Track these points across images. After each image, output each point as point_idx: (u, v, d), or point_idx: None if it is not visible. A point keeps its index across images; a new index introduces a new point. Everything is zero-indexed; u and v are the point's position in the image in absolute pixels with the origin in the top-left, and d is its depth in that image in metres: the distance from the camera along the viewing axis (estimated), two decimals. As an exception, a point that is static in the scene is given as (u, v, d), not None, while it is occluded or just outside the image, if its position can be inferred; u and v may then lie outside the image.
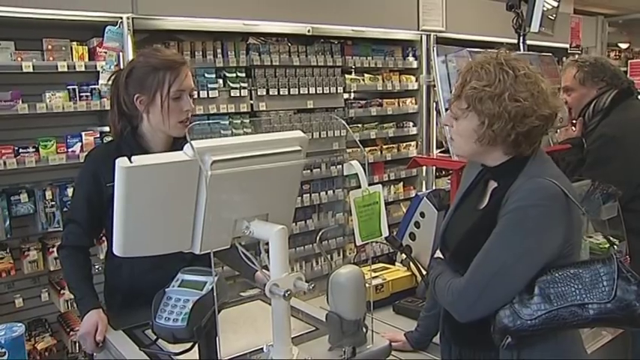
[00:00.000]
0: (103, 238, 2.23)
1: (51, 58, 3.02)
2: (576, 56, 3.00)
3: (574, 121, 2.72)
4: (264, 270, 1.43)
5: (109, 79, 1.99)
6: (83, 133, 3.10)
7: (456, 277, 1.45)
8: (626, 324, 1.36)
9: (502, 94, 1.38)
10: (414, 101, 4.64)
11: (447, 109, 2.18)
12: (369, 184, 1.51)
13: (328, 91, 4.06)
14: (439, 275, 1.51)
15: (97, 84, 3.05)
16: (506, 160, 1.47)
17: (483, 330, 1.40)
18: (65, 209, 3.08)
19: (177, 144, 1.88)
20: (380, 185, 1.55)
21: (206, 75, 3.52)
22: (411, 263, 2.22)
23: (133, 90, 1.86)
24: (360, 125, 4.35)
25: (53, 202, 3.10)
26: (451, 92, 2.19)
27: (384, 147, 4.52)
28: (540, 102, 1.40)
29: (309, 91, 3.95)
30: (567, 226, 1.37)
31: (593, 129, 2.58)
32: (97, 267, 2.04)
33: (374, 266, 2.27)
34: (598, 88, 2.62)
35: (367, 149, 4.31)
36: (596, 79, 2.61)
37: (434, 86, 3.90)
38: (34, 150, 2.96)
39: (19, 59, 2.93)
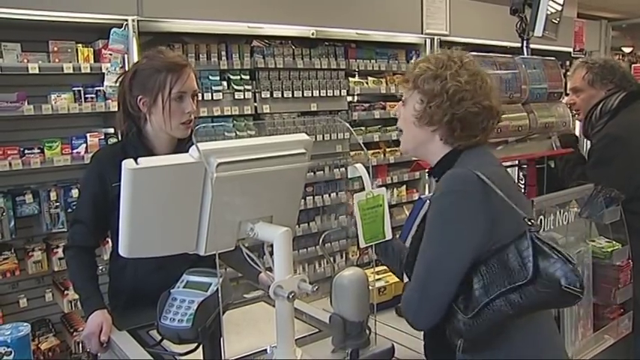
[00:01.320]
0: (107, 239, 2.24)
1: (57, 60, 3.04)
2: (586, 57, 3.01)
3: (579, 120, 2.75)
4: (267, 272, 1.44)
5: (115, 81, 2.00)
6: (88, 135, 3.11)
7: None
8: (555, 303, 1.37)
9: (444, 74, 1.43)
10: (417, 104, 4.63)
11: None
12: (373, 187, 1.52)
13: (332, 94, 4.07)
14: None
15: (102, 86, 3.06)
16: (443, 156, 1.49)
17: (435, 335, 1.41)
18: (70, 210, 3.09)
19: (181, 145, 1.89)
20: (383, 188, 1.56)
21: (210, 77, 3.54)
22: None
23: (137, 91, 1.87)
24: (363, 128, 4.35)
25: (58, 203, 3.11)
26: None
27: (387, 150, 4.52)
28: (480, 92, 1.44)
29: (312, 93, 3.97)
30: (487, 213, 1.34)
31: (600, 130, 2.58)
32: (101, 268, 2.05)
33: (377, 269, 2.27)
34: (607, 89, 2.62)
35: (370, 152, 4.31)
36: (605, 81, 2.62)
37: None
38: (39, 151, 2.97)
39: (25, 61, 2.95)
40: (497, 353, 1.37)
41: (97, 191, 1.88)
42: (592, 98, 2.64)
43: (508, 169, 2.97)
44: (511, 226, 1.34)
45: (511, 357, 1.37)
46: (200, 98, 3.03)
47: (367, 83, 4.34)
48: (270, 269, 1.39)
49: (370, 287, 1.59)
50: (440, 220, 1.37)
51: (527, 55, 2.81)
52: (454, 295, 1.35)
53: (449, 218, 1.36)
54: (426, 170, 1.65)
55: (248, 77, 3.72)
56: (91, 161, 1.99)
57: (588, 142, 2.74)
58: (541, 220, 1.94)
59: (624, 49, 8.07)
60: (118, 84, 1.97)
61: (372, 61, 4.34)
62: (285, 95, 3.83)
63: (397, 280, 2.19)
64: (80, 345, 3.09)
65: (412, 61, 4.57)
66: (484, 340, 1.34)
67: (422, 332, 1.55)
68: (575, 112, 2.74)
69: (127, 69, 2.71)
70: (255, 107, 3.76)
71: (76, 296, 1.94)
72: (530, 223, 1.29)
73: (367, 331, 1.55)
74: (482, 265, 1.33)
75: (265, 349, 1.44)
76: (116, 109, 2.01)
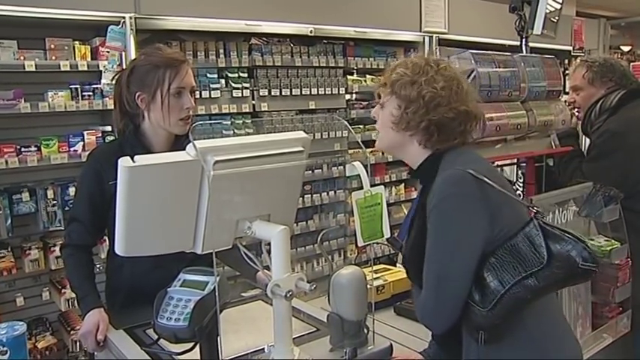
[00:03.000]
0: (104, 238, 2.23)
1: (53, 58, 3.02)
2: (586, 56, 3.01)
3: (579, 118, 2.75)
4: (265, 270, 1.43)
5: (112, 79, 1.99)
6: (85, 133, 3.10)
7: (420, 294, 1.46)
8: (573, 281, 1.40)
9: (420, 80, 1.44)
10: (415, 103, 4.63)
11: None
12: (371, 186, 1.51)
13: (330, 92, 4.06)
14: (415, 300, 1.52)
15: (100, 83, 3.05)
16: (424, 160, 1.50)
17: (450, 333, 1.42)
18: (67, 208, 3.08)
19: (178, 143, 1.88)
20: (382, 186, 1.55)
21: (208, 75, 3.52)
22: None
23: (135, 88, 1.86)
24: (361, 126, 4.34)
25: (55, 201, 3.10)
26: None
27: (386, 148, 4.51)
28: (456, 97, 1.45)
29: (311, 91, 3.95)
30: (487, 209, 1.36)
31: (599, 127, 2.59)
32: (98, 266, 2.04)
33: (375, 267, 2.26)
34: (606, 87, 2.63)
35: (369, 150, 4.30)
36: (604, 79, 2.63)
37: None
38: (36, 149, 2.96)
39: (22, 58, 2.93)
40: (516, 342, 1.39)
41: (93, 189, 1.87)
42: (592, 96, 2.65)
43: (507, 167, 2.98)
44: (512, 216, 1.38)
45: (529, 344, 1.40)
46: (198, 96, 3.03)
47: (365, 81, 4.33)
48: (267, 268, 1.38)
49: (368, 286, 1.58)
50: (442, 226, 1.38)
51: (526, 53, 2.81)
52: (468, 292, 1.36)
53: (451, 222, 1.37)
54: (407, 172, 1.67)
55: (246, 75, 3.71)
56: (88, 159, 1.98)
57: (587, 140, 2.74)
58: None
59: (623, 47, 8.07)
60: (114, 82, 1.96)
61: (370, 59, 4.33)
62: (283, 93, 3.82)
63: (396, 278, 2.19)
64: (77, 344, 3.09)
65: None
66: (503, 328, 1.36)
67: (421, 332, 1.56)
68: (576, 110, 2.75)
69: (124, 67, 2.70)
70: (253, 105, 3.75)
71: (73, 295, 1.92)
72: (535, 209, 1.33)
73: (365, 330, 1.54)
74: (491, 258, 1.35)
75: (263, 348, 1.44)
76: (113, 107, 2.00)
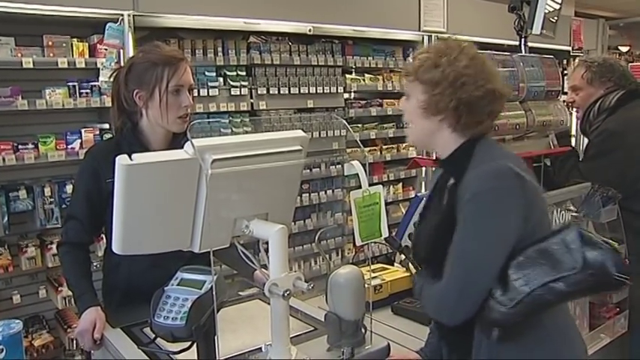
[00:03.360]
0: (102, 236, 2.22)
1: (51, 55, 3.01)
2: (585, 56, 3.02)
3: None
4: (263, 269, 1.43)
5: (110, 76, 1.98)
6: (83, 130, 3.09)
7: (435, 284, 1.43)
8: (600, 289, 1.40)
9: (442, 61, 1.43)
10: (414, 102, 4.63)
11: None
12: (369, 185, 1.51)
13: (328, 91, 4.06)
14: (421, 288, 1.50)
15: (97, 81, 3.03)
16: (456, 149, 1.48)
17: (463, 329, 1.41)
18: (64, 206, 3.07)
19: (176, 141, 1.88)
20: (380, 186, 1.55)
21: (206, 73, 3.52)
22: (409, 264, 2.21)
23: (133, 85, 1.86)
24: (359, 125, 4.34)
25: (52, 199, 3.09)
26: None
27: (384, 147, 4.52)
28: (482, 75, 1.43)
29: (309, 90, 3.95)
30: (524, 204, 1.36)
31: (598, 127, 2.59)
32: (95, 264, 2.04)
33: (373, 267, 2.26)
34: (605, 87, 2.63)
35: (367, 149, 4.31)
36: (603, 79, 2.63)
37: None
38: (33, 146, 2.95)
39: (19, 55, 2.92)
40: (530, 341, 1.38)
41: (91, 187, 1.87)
42: (591, 96, 2.65)
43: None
44: (540, 215, 1.39)
45: (543, 344, 1.39)
46: (196, 94, 3.02)
47: (364, 80, 4.33)
48: (265, 267, 1.38)
49: (366, 285, 1.58)
50: (479, 218, 1.36)
51: (525, 53, 2.81)
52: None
53: (489, 215, 1.36)
54: (434, 161, 1.65)
55: (244, 73, 3.70)
56: (85, 157, 1.97)
57: (585, 139, 2.75)
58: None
59: (621, 47, 8.07)
60: (112, 79, 1.95)
61: (369, 58, 4.33)
62: (281, 92, 3.82)
63: (393, 278, 2.18)
64: (74, 342, 3.08)
65: (410, 57, 4.56)
66: (519, 326, 1.35)
67: (419, 332, 1.56)
68: (575, 110, 2.75)
69: (122, 64, 2.69)
70: (252, 103, 3.74)
71: (70, 293, 1.92)
72: (575, 212, 1.33)
73: (363, 330, 1.54)
74: (519, 256, 1.34)
75: (260, 348, 1.44)
76: (111, 105, 1.99)
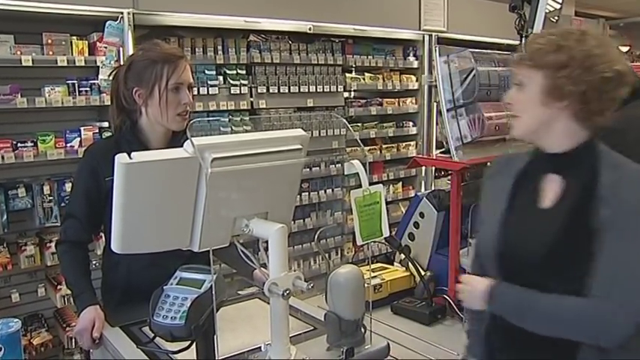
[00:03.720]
0: (101, 234, 2.22)
1: (50, 53, 3.01)
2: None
3: None
4: (262, 268, 1.43)
5: (110, 74, 1.98)
6: (82, 128, 3.09)
7: (567, 300, 1.28)
8: None
9: (567, 43, 1.31)
10: (414, 101, 4.64)
11: (448, 110, 2.18)
12: (369, 184, 1.50)
13: (328, 90, 4.06)
14: (535, 302, 1.32)
15: (97, 79, 3.03)
16: (577, 145, 1.38)
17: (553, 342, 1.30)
18: (63, 204, 3.07)
19: (175, 139, 1.87)
20: (381, 185, 1.54)
21: (206, 72, 3.51)
22: (409, 263, 2.21)
23: (132, 83, 1.85)
24: (359, 124, 4.34)
25: (51, 197, 3.09)
26: (452, 92, 2.20)
27: (384, 146, 4.52)
28: (610, 54, 1.32)
29: (309, 89, 3.95)
30: None
31: None
32: (94, 263, 2.03)
33: (372, 266, 2.26)
34: None
35: (367, 148, 4.30)
36: None
37: (435, 86, 3.90)
38: (32, 144, 2.94)
39: (19, 53, 2.91)
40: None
41: (89, 186, 1.86)
42: None
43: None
44: None
45: None
46: (196, 93, 3.02)
47: (364, 79, 4.33)
48: (264, 266, 1.37)
49: (366, 285, 1.57)
50: None
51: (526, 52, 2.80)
52: None
53: None
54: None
55: (244, 72, 3.70)
56: (84, 155, 1.97)
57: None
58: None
59: (621, 47, 8.07)
60: (111, 77, 1.95)
61: (369, 57, 4.33)
62: (281, 90, 3.82)
63: (393, 277, 2.18)
64: (73, 340, 3.08)
65: (409, 57, 4.56)
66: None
67: (418, 331, 1.53)
68: None
69: (122, 62, 2.68)
70: (251, 102, 3.74)
71: (69, 291, 1.91)
72: None
73: (362, 329, 1.53)
74: None
75: (260, 347, 1.43)
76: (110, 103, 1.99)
